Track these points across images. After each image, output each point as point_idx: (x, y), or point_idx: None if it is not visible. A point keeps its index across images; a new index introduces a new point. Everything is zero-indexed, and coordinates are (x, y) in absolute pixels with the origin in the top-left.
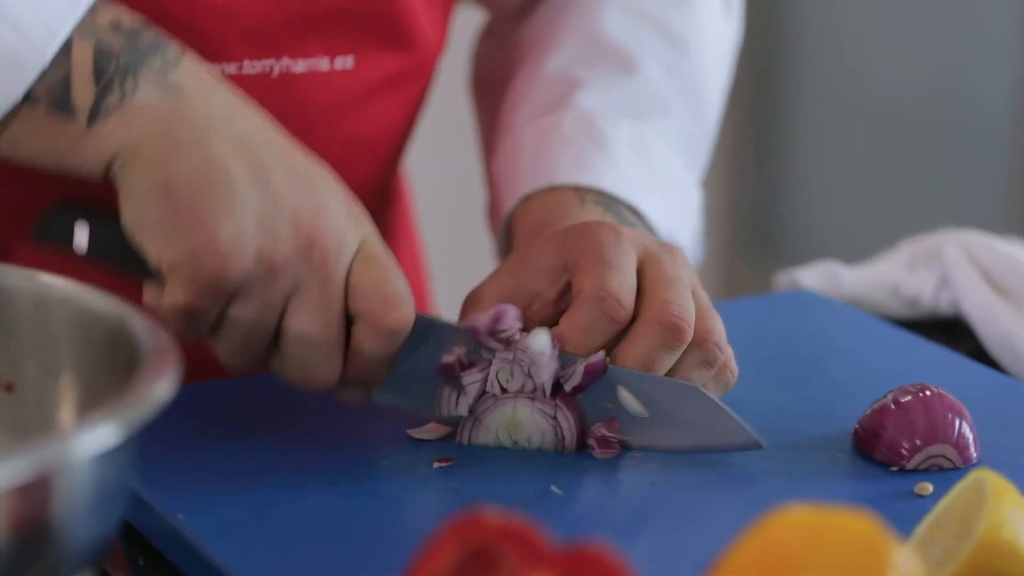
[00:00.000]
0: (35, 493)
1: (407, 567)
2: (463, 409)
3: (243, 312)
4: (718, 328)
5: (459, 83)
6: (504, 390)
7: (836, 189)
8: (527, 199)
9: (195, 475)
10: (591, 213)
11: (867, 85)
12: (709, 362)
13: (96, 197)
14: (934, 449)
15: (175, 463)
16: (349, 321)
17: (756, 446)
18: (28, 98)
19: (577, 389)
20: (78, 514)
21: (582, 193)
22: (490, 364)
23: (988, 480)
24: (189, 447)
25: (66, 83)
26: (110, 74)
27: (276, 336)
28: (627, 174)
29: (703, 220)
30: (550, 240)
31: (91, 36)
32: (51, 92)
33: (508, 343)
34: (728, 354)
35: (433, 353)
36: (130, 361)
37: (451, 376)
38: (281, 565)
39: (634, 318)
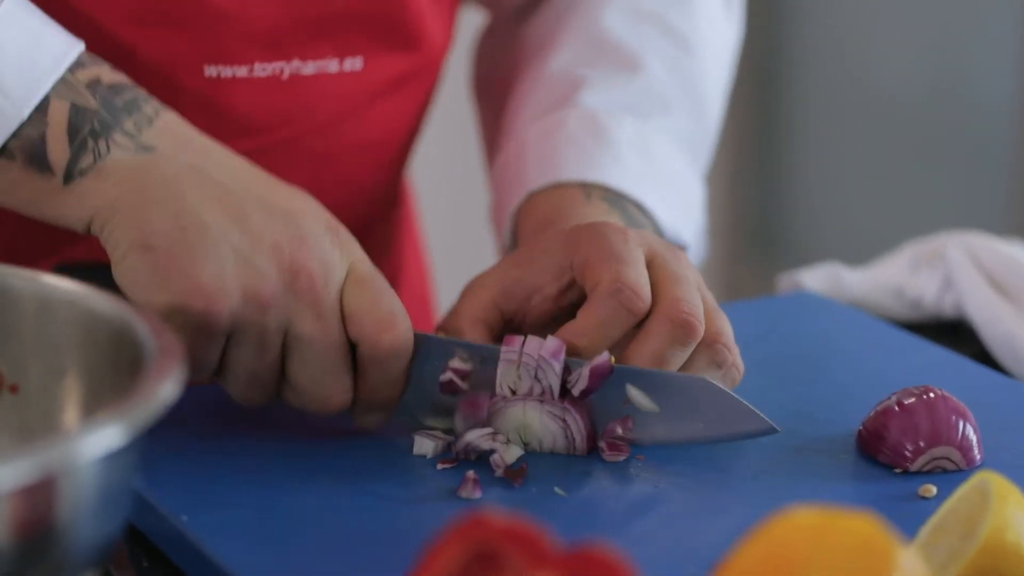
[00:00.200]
0: (40, 494)
1: (412, 568)
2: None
3: (242, 351)
4: (726, 329)
5: (461, 83)
6: (513, 392)
7: (837, 190)
8: (532, 196)
9: (199, 476)
10: (597, 209)
11: (868, 86)
12: (718, 363)
13: (93, 257)
14: (938, 451)
15: (179, 464)
16: (354, 347)
17: (771, 431)
18: (5, 153)
19: (585, 392)
20: (83, 515)
21: (588, 189)
22: (495, 370)
23: (992, 482)
24: (193, 448)
25: (42, 141)
26: (84, 134)
27: (284, 369)
28: (632, 171)
29: (705, 219)
30: (557, 238)
31: (68, 95)
32: (27, 149)
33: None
34: (735, 353)
35: (438, 370)
36: (134, 362)
37: (456, 393)
38: (284, 566)
39: (644, 317)
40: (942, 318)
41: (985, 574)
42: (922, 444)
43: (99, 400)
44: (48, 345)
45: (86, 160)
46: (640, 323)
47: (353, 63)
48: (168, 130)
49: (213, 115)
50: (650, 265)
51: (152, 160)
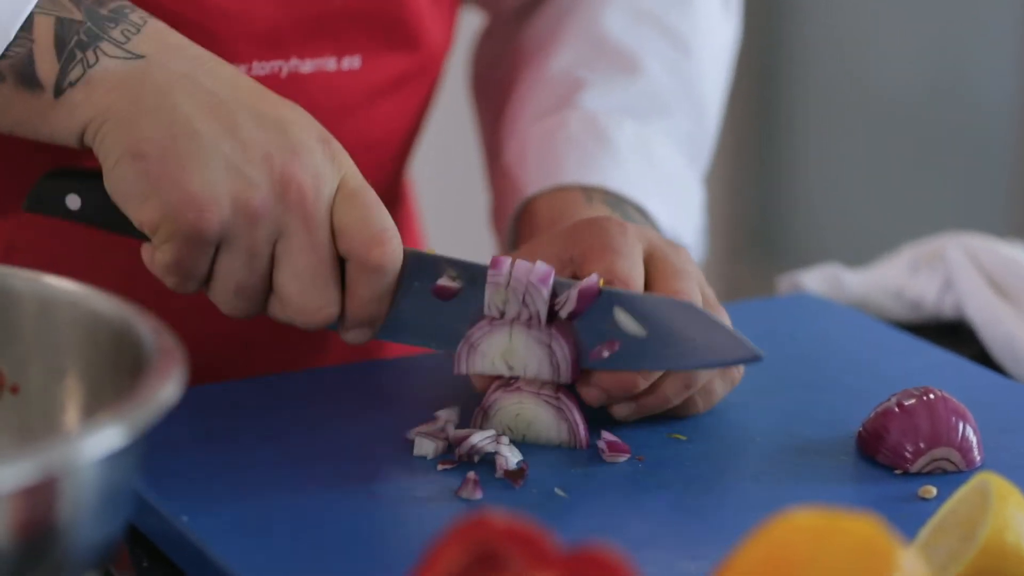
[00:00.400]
0: (41, 495)
1: (413, 568)
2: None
3: (231, 261)
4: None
5: (461, 84)
6: (502, 315)
7: (836, 191)
8: (534, 199)
9: (200, 477)
10: (598, 212)
11: (868, 86)
12: None
13: (86, 163)
14: (938, 452)
15: (180, 465)
16: (343, 261)
17: (756, 358)
18: None
19: (573, 315)
20: (83, 516)
21: (589, 192)
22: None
23: (992, 483)
24: (194, 449)
25: (30, 58)
26: (71, 46)
27: (271, 281)
28: (632, 174)
29: (704, 220)
30: (558, 234)
31: (52, 10)
32: (16, 68)
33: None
34: None
35: (428, 287)
36: (135, 363)
37: (449, 300)
38: (286, 567)
39: None
40: (942, 319)
41: (985, 575)
42: (922, 445)
43: (100, 401)
44: (49, 345)
45: (75, 71)
46: None
47: (351, 62)
48: (158, 37)
49: None
50: (650, 259)
51: (143, 67)
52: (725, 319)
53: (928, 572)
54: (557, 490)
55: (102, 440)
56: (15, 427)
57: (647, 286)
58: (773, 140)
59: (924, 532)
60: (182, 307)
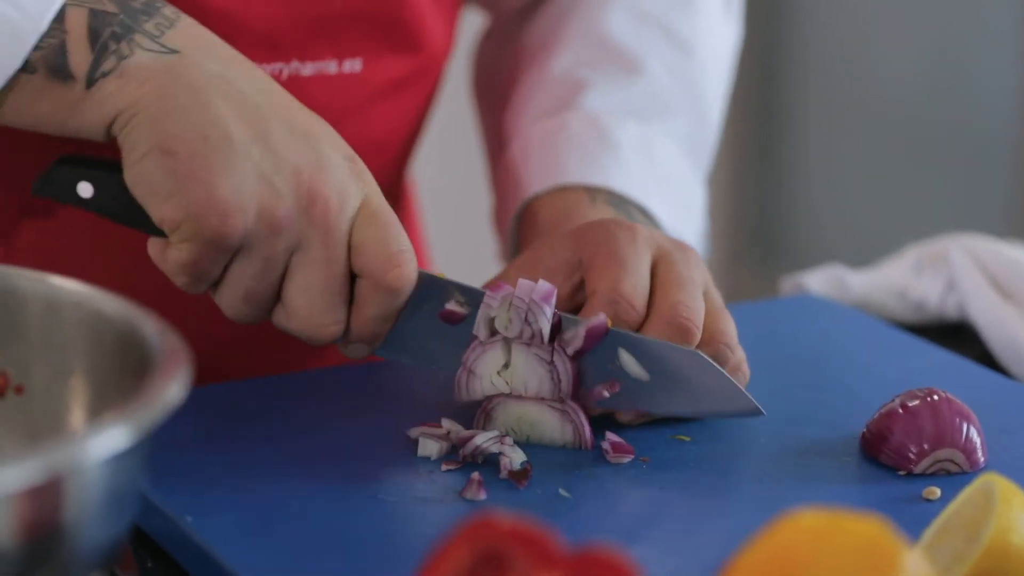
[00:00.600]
0: (46, 496)
1: (418, 569)
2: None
3: (246, 268)
4: (729, 329)
5: (462, 85)
6: (495, 333)
7: (838, 192)
8: (536, 199)
9: (204, 478)
10: (602, 213)
11: (868, 87)
12: (719, 362)
13: (98, 153)
14: (942, 453)
15: (184, 466)
16: (353, 277)
17: (756, 412)
18: (26, 67)
19: (579, 352)
20: (89, 517)
21: (592, 193)
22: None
23: (996, 484)
24: (198, 450)
25: (62, 49)
26: (105, 38)
27: (280, 290)
28: (635, 175)
29: (706, 221)
30: (565, 236)
31: (85, 2)
32: (48, 60)
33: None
34: (740, 356)
35: (435, 309)
36: (141, 364)
37: (456, 324)
38: (290, 568)
39: (646, 315)
40: (945, 320)
41: None
42: (926, 446)
43: (105, 401)
44: (54, 346)
45: (109, 62)
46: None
47: (352, 64)
48: (191, 33)
49: None
50: (657, 265)
51: (178, 62)
52: (730, 321)
53: (932, 573)
54: (561, 491)
55: (107, 440)
56: (20, 427)
57: (651, 294)
58: (774, 141)
59: (928, 533)
60: (184, 308)
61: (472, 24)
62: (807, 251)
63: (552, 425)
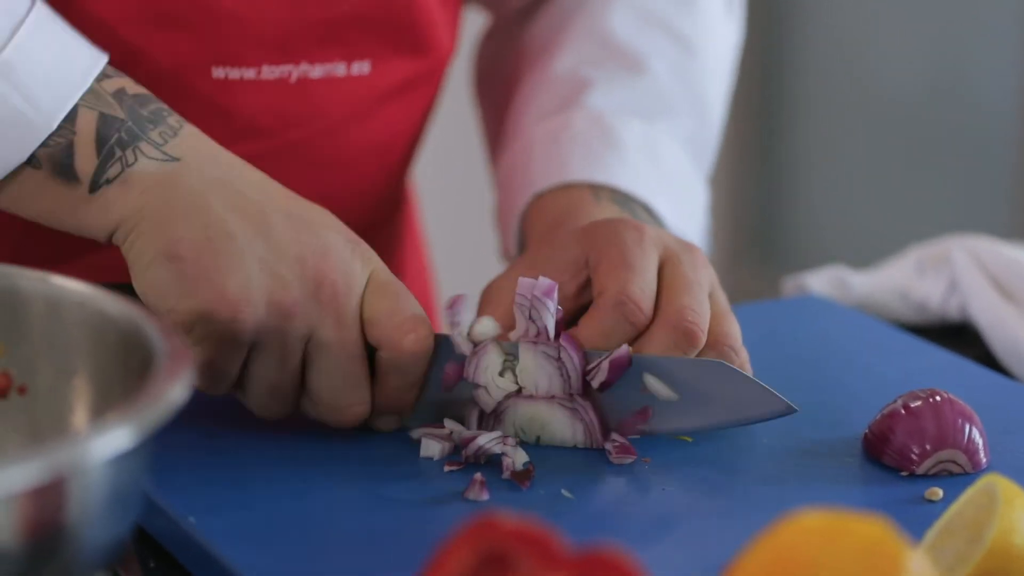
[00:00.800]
0: (49, 496)
1: (421, 570)
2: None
3: (264, 363)
4: (733, 331)
5: (463, 86)
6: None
7: (838, 192)
8: (540, 197)
9: (206, 478)
10: (607, 211)
11: (869, 87)
12: None
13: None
14: (944, 454)
15: (187, 466)
16: (371, 354)
17: (789, 411)
18: (32, 161)
19: (604, 385)
20: (92, 517)
21: (597, 191)
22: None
23: (999, 485)
24: (201, 450)
25: (69, 150)
26: (112, 144)
27: (303, 381)
28: (640, 173)
29: (708, 221)
30: (571, 235)
31: (96, 105)
32: (55, 158)
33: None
34: (744, 358)
35: (456, 367)
36: (144, 364)
37: (455, 387)
38: (292, 568)
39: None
40: (947, 321)
41: None
42: (928, 447)
43: (108, 402)
44: (57, 346)
45: (114, 169)
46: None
47: (361, 67)
48: (193, 142)
49: (220, 117)
50: (663, 266)
51: (180, 170)
52: (734, 324)
53: (935, 574)
54: (563, 491)
55: (110, 441)
56: (23, 428)
57: (657, 296)
58: (775, 141)
59: (931, 534)
60: None
61: (473, 24)
62: (808, 252)
63: (563, 425)
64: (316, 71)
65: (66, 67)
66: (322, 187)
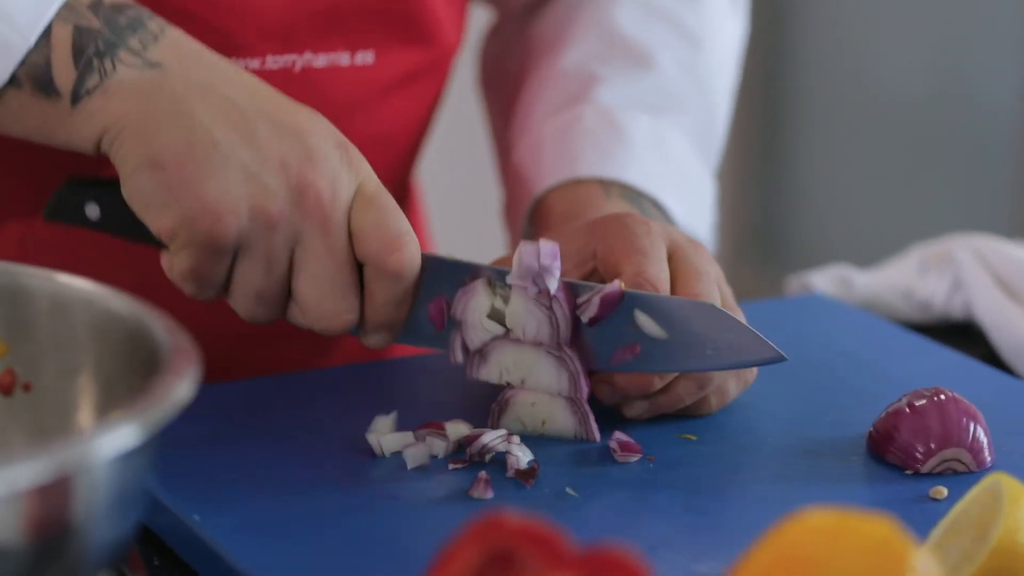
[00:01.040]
0: (54, 494)
1: (426, 568)
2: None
3: (249, 268)
4: None
5: (468, 83)
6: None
7: (841, 191)
8: (550, 192)
9: (211, 476)
10: (617, 206)
11: (871, 87)
12: None
13: (104, 171)
14: (949, 453)
15: (192, 464)
16: (362, 266)
17: (779, 359)
18: (13, 81)
19: (594, 319)
20: (97, 515)
21: (607, 186)
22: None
23: (1004, 484)
24: (206, 448)
25: (47, 66)
26: (89, 55)
27: (290, 287)
28: (649, 168)
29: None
30: (579, 228)
31: (70, 18)
32: (33, 75)
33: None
34: None
35: (451, 291)
36: (149, 362)
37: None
38: (297, 566)
39: None
40: (951, 320)
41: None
42: (933, 446)
43: (113, 400)
44: (62, 344)
45: (92, 80)
46: None
47: (364, 57)
48: (175, 46)
49: None
50: (671, 259)
51: (160, 76)
52: (741, 316)
53: (941, 573)
54: (568, 489)
55: (116, 439)
56: (28, 426)
57: (670, 285)
58: (778, 141)
59: (936, 533)
60: (193, 306)
61: (479, 20)
62: (811, 251)
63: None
64: (320, 61)
65: None
66: None
